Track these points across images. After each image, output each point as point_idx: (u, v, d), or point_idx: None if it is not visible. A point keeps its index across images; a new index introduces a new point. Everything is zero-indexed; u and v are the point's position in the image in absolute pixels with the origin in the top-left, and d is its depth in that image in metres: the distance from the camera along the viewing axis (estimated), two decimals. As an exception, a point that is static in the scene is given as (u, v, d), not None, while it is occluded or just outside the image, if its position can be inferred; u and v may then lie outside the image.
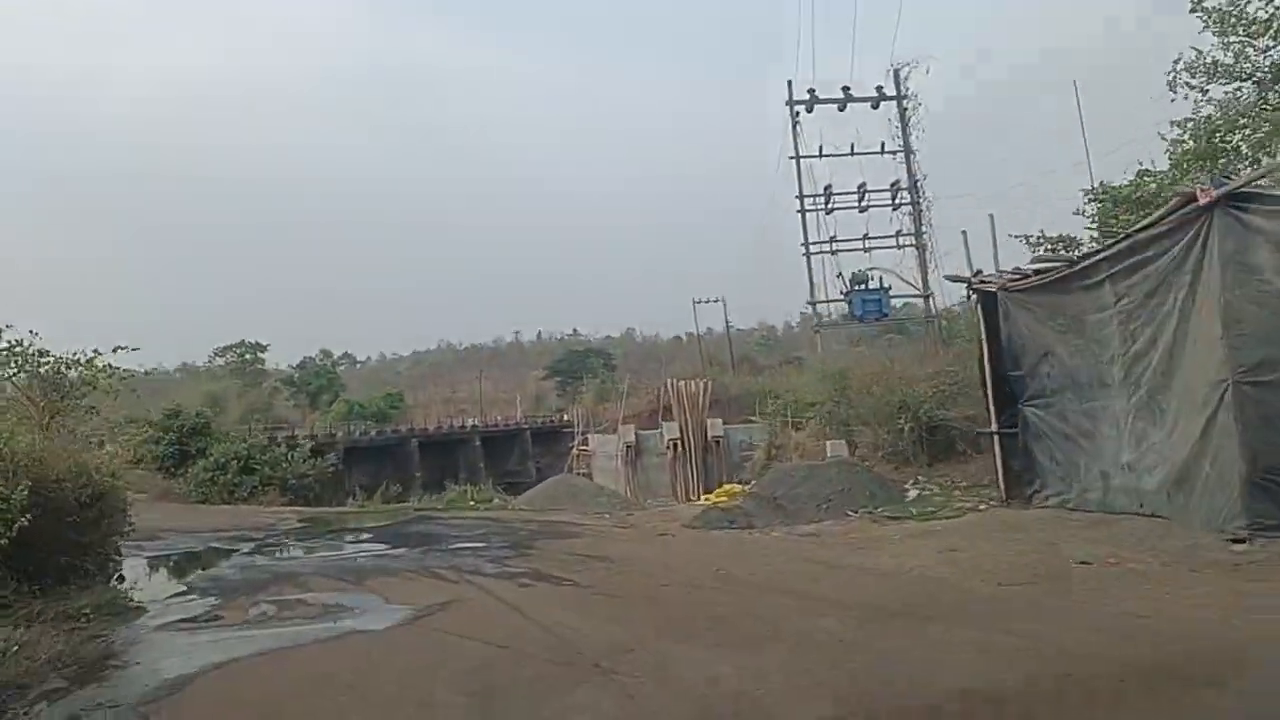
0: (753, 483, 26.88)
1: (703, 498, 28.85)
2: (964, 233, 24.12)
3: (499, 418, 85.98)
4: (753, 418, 46.57)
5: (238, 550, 22.24)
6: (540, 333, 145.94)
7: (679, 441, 42.63)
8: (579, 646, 9.47)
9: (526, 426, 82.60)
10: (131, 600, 13.26)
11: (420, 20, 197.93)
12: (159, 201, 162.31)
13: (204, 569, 19.58)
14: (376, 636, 10.86)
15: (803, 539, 17.97)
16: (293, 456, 40.50)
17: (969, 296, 21.26)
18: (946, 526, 17.21)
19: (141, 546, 19.10)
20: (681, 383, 44.49)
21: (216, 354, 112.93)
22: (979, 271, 21.16)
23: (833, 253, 35.57)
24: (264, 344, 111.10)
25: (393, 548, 20.95)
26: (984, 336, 19.97)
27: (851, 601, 11.07)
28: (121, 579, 14.13)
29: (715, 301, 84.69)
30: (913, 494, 22.28)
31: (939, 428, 25.16)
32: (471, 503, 32.40)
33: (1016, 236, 28.81)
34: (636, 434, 43.87)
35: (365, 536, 24.32)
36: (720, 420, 43.53)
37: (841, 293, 35.21)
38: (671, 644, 9.43)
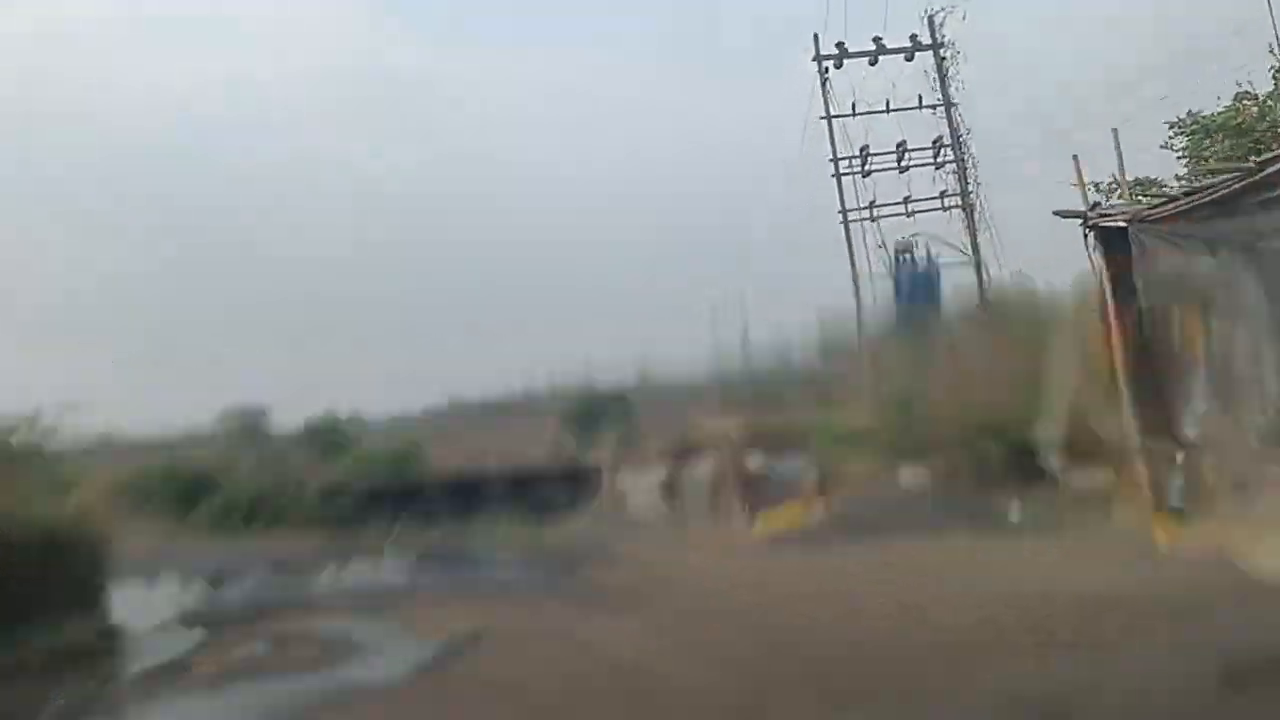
0: (818, 507, 23.25)
1: (758, 525, 25.09)
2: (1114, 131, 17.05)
3: (519, 464, 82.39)
4: (792, 450, 42.91)
5: (251, 572, 19.37)
6: (553, 380, 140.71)
7: (717, 478, 39.04)
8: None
9: (553, 470, 79.13)
10: (109, 639, 11.57)
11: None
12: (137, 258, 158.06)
13: (213, 588, 17.05)
14: (385, 697, 7.02)
15: (894, 563, 14.33)
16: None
17: (1086, 237, 15.42)
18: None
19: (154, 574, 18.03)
20: (712, 422, 41.00)
21: (220, 420, 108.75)
22: (1095, 205, 16.13)
23: (872, 219, 32.13)
24: (265, 407, 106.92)
25: (421, 570, 18.08)
26: (1109, 298, 14.50)
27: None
28: (106, 613, 12.77)
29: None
30: (1015, 514, 18.67)
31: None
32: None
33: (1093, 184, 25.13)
34: (669, 470, 40.25)
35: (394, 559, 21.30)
36: (759, 453, 39.92)
37: (885, 266, 31.82)
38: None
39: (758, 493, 38.24)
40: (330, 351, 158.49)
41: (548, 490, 76.23)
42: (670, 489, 39.11)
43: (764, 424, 44.67)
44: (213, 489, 36.91)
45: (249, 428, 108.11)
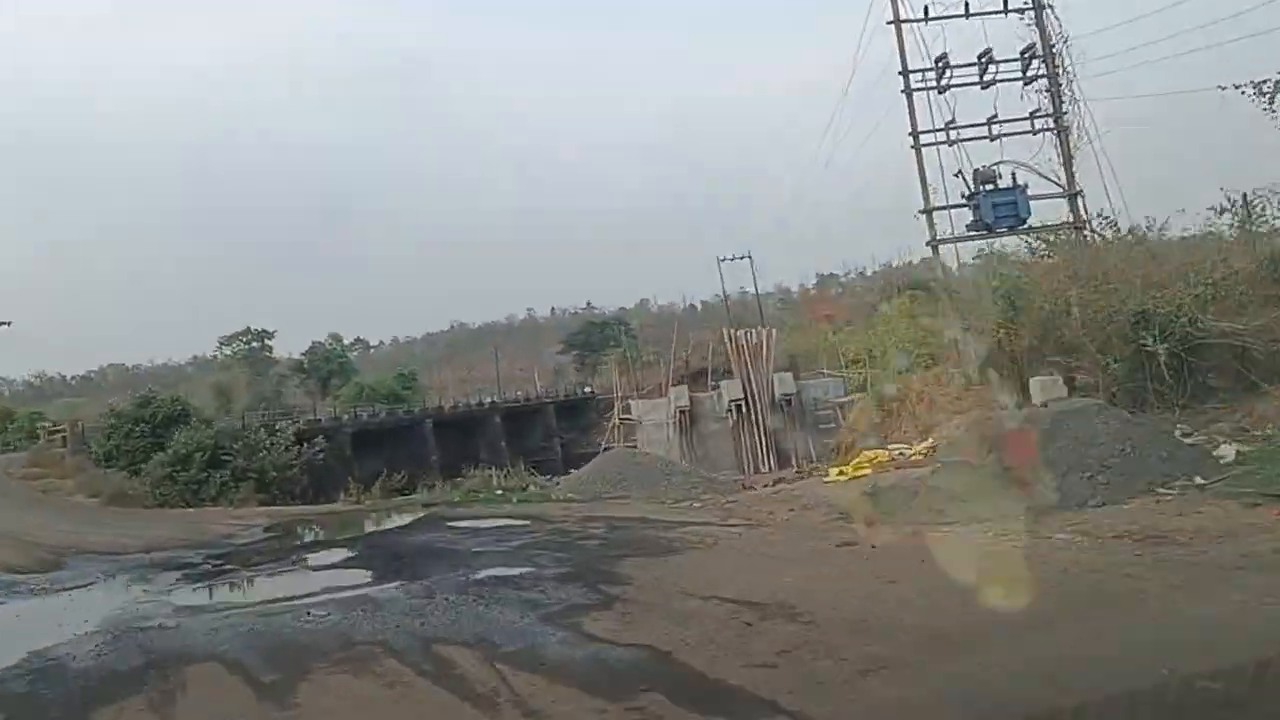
0: (937, 443, 17.67)
1: (834, 471, 19.49)
2: None
3: (518, 393, 76.74)
4: (828, 371, 37.54)
5: (146, 587, 13.84)
6: (554, 308, 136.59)
7: (743, 402, 33.52)
8: None
9: (550, 401, 73.35)
10: None
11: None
12: (161, 192, 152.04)
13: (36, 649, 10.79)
14: None
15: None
16: (272, 444, 30.98)
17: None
18: None
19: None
20: (740, 332, 35.18)
21: (222, 343, 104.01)
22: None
23: (949, 142, 25.96)
24: (270, 331, 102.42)
25: (379, 580, 12.18)
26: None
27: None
28: None
29: (742, 259, 75.36)
30: (1228, 453, 13.12)
31: (1204, 348, 16.00)
32: (499, 492, 23.17)
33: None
34: (691, 396, 34.63)
35: (344, 556, 15.50)
36: (790, 375, 34.41)
37: (963, 196, 25.70)
38: None
39: (789, 423, 32.83)
40: (335, 281, 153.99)
41: (546, 426, 71.54)
42: (690, 419, 33.42)
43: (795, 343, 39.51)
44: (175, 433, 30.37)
45: (253, 352, 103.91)
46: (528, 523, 17.44)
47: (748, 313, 77.59)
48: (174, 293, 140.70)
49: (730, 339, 34.34)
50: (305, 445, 32.83)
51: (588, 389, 79.34)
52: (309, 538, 20.43)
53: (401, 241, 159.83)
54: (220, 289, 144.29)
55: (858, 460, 19.55)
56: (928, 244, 25.86)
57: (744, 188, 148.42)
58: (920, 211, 25.53)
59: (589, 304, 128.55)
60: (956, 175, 25.64)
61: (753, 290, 75.23)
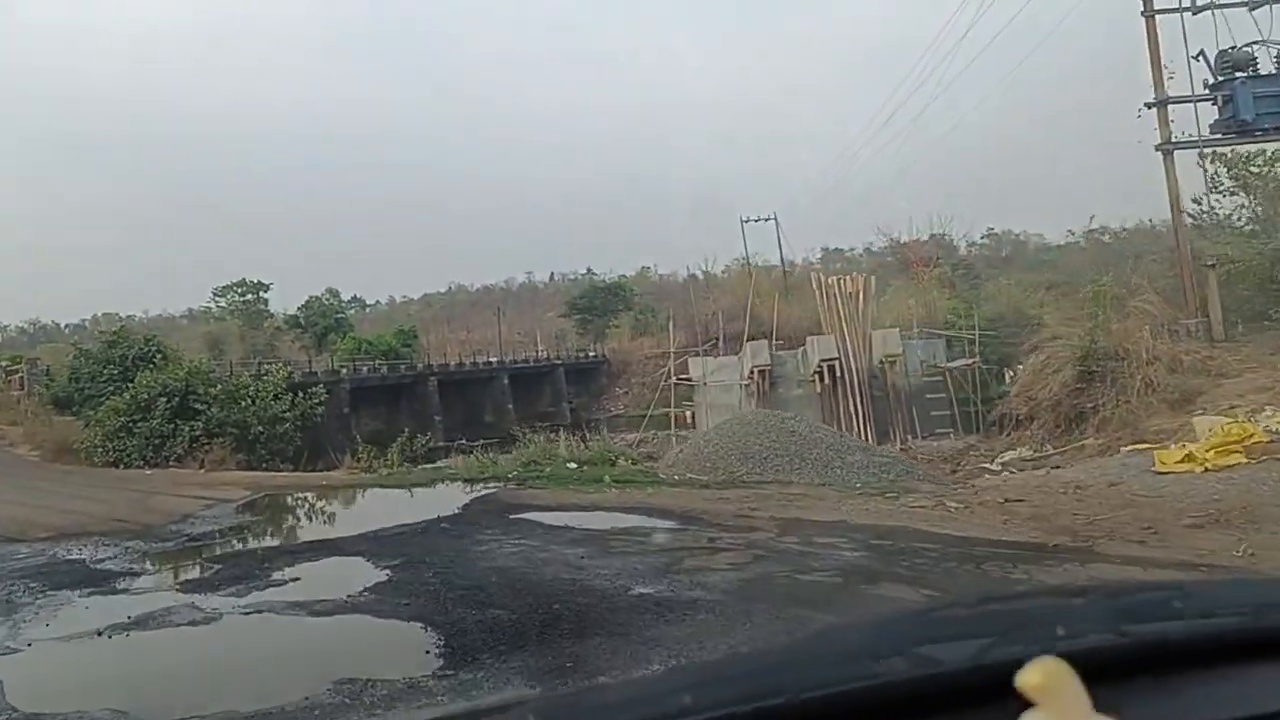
0: None
1: (1173, 455, 12.05)
2: None
3: (524, 355, 68.94)
4: (938, 331, 30.10)
5: None
6: (553, 273, 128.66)
7: (837, 363, 26.02)
8: None
9: (560, 363, 65.62)
10: None
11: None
12: (158, 148, 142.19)
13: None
14: None
15: None
16: (258, 392, 23.10)
17: None
18: None
19: None
20: (833, 279, 27.54)
21: (215, 295, 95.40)
22: None
23: (1193, 9, 18.39)
24: (266, 283, 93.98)
25: (453, 666, 4.46)
26: None
27: None
28: None
29: (767, 220, 67.87)
30: None
31: None
32: (571, 465, 15.72)
33: None
34: (772, 354, 27.00)
35: (364, 583, 7.68)
36: (896, 332, 26.91)
37: (1206, 86, 18.24)
38: None
39: (891, 392, 25.45)
40: (335, 240, 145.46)
41: (555, 389, 64.26)
42: (768, 383, 25.78)
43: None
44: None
45: (248, 304, 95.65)
46: (672, 525, 9.99)
47: (768, 279, 70.38)
48: (174, 245, 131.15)
49: (820, 286, 26.63)
50: (301, 395, 25.05)
51: (592, 353, 71.68)
52: (302, 529, 12.83)
53: (400, 202, 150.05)
54: (219, 244, 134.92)
55: (1215, 438, 12.13)
56: (1158, 148, 18.32)
57: (763, 158, 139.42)
58: (1148, 104, 17.96)
59: (589, 270, 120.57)
60: (1197, 57, 18.08)
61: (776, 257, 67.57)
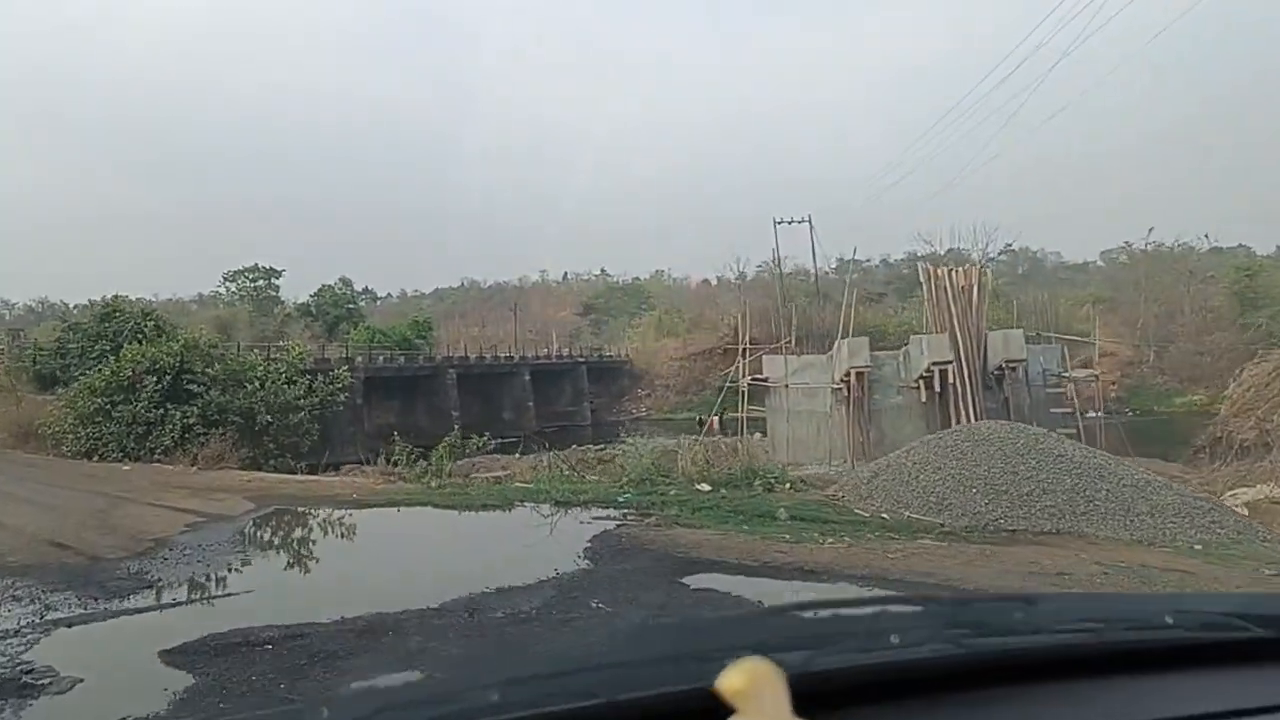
0: None
1: None
2: None
3: (546, 351, 64.12)
4: (1051, 334, 25.50)
5: None
6: (566, 273, 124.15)
7: (950, 367, 21.35)
8: None
9: (582, 361, 60.89)
10: None
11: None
12: (176, 134, 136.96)
13: None
14: None
15: None
16: (269, 372, 18.27)
17: None
18: None
19: None
20: (943, 270, 22.81)
21: (226, 278, 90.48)
22: None
23: None
24: (278, 269, 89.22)
25: None
26: None
27: None
28: None
29: (801, 222, 63.17)
30: None
31: None
32: (703, 486, 10.96)
33: None
34: (872, 356, 22.26)
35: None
36: (1020, 334, 22.25)
37: None
38: None
39: (1010, 400, 20.87)
40: (348, 231, 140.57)
41: (576, 388, 59.69)
42: (862, 389, 21.11)
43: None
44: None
45: (258, 290, 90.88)
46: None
47: (799, 284, 65.84)
48: (189, 231, 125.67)
49: (931, 278, 21.91)
50: (320, 378, 20.27)
51: (613, 353, 67.03)
52: (339, 588, 7.79)
53: (413, 196, 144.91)
54: (234, 231, 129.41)
55: None
56: None
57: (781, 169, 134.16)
58: None
59: (603, 270, 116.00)
60: None
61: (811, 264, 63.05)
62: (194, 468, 15.79)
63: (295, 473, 16.43)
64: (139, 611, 6.68)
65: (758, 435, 29.42)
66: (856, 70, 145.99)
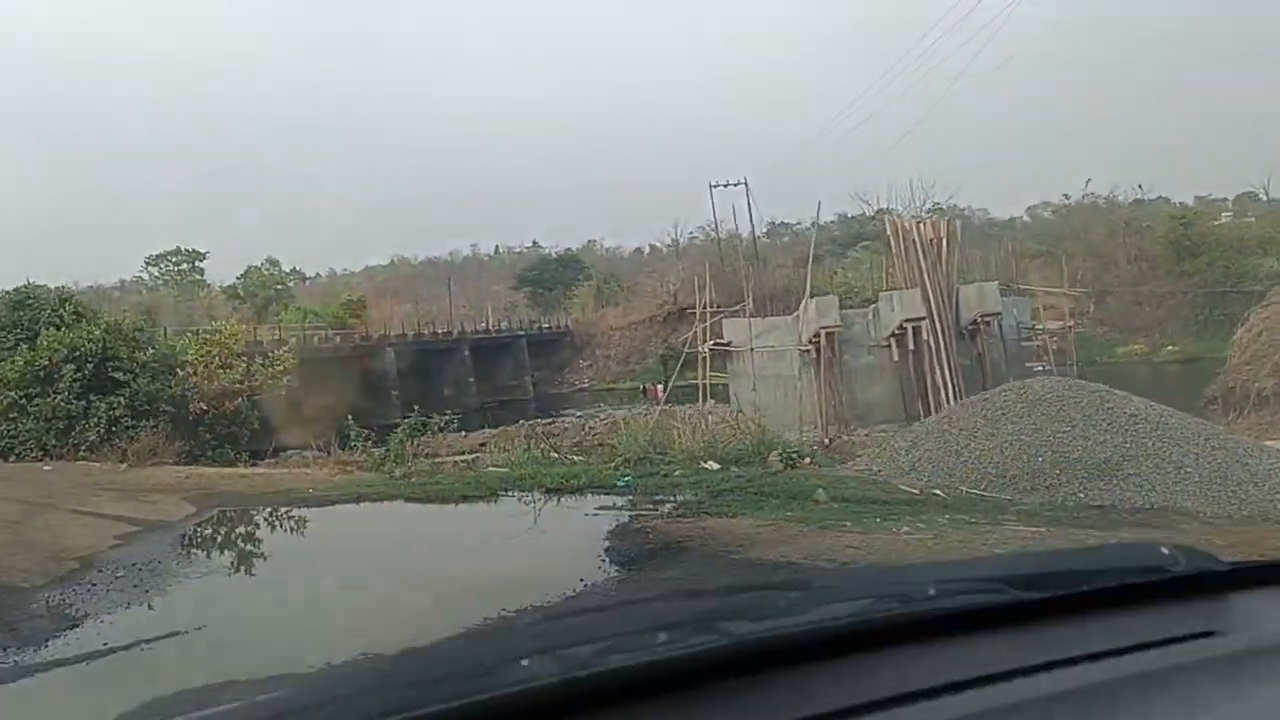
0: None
1: None
2: None
3: (484, 325, 62.06)
4: (1026, 286, 24.75)
5: None
6: (498, 246, 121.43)
7: (923, 324, 20.35)
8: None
9: (523, 334, 58.99)
10: None
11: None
12: (86, 115, 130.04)
13: None
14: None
15: None
16: (202, 356, 16.35)
17: None
18: None
19: None
20: (910, 221, 21.72)
21: (148, 263, 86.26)
22: None
23: None
24: (202, 252, 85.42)
25: None
26: None
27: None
28: None
29: (736, 184, 61.85)
30: None
31: None
32: (711, 465, 9.53)
33: None
34: (841, 315, 21.09)
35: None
36: (994, 286, 21.32)
37: None
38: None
39: (983, 357, 20.03)
40: (271, 211, 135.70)
41: (517, 361, 57.92)
42: (833, 349, 20.03)
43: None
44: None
45: (183, 274, 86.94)
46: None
47: (730, 249, 64.66)
48: (106, 216, 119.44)
49: (898, 231, 20.80)
50: (258, 361, 18.41)
51: (552, 325, 65.20)
52: (311, 617, 6.09)
53: (336, 172, 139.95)
54: (153, 215, 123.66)
55: None
56: None
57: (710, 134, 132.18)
58: None
59: (535, 243, 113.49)
60: None
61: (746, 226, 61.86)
62: (124, 465, 13.96)
63: (236, 465, 14.71)
64: (58, 665, 5.08)
65: (711, 403, 28.26)
66: (784, 30, 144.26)
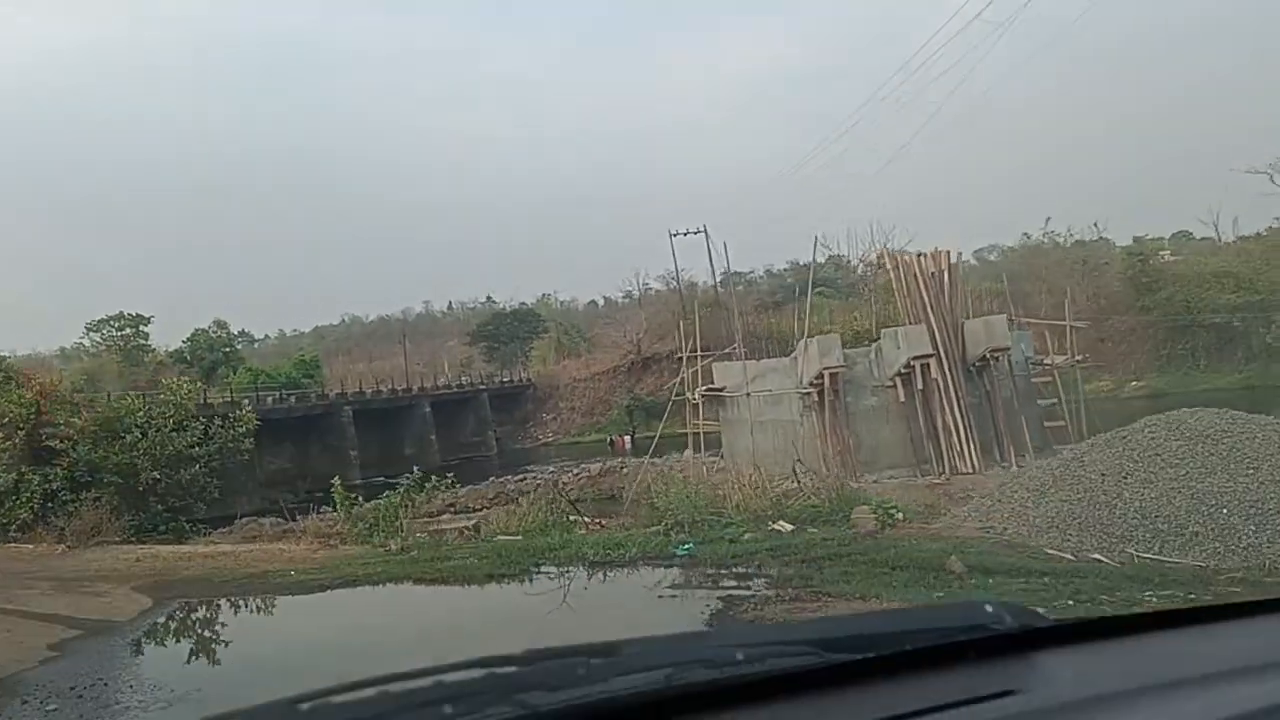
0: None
1: None
2: None
3: (444, 380, 59.70)
4: (1030, 320, 23.46)
5: None
6: (451, 302, 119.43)
7: (931, 361, 18.86)
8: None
9: (484, 388, 56.83)
10: None
11: None
12: (21, 172, 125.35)
13: None
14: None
15: None
16: (153, 418, 14.07)
17: None
18: None
19: None
20: (912, 256, 20.31)
21: (89, 329, 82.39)
22: None
23: None
24: (146, 316, 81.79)
25: None
26: None
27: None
28: None
29: (696, 233, 60.73)
30: None
31: None
32: (783, 526, 7.68)
33: None
34: (844, 355, 19.48)
35: None
36: (1003, 319, 19.93)
37: None
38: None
39: (991, 394, 18.68)
40: (216, 271, 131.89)
41: (479, 417, 55.62)
42: (834, 391, 18.51)
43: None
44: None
45: (126, 340, 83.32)
46: None
47: (697, 296, 63.42)
48: (45, 282, 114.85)
49: (899, 266, 19.40)
50: (217, 422, 16.22)
51: (511, 379, 63.02)
52: None
53: (285, 234, 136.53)
54: (94, 281, 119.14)
55: None
56: None
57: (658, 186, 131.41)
58: None
59: (489, 298, 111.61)
60: None
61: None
62: (62, 546, 11.77)
63: (194, 540, 12.56)
64: None
65: (687, 452, 26.47)
66: (736, 83, 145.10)
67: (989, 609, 1.52)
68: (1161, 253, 55.66)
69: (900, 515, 9.39)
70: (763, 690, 1.27)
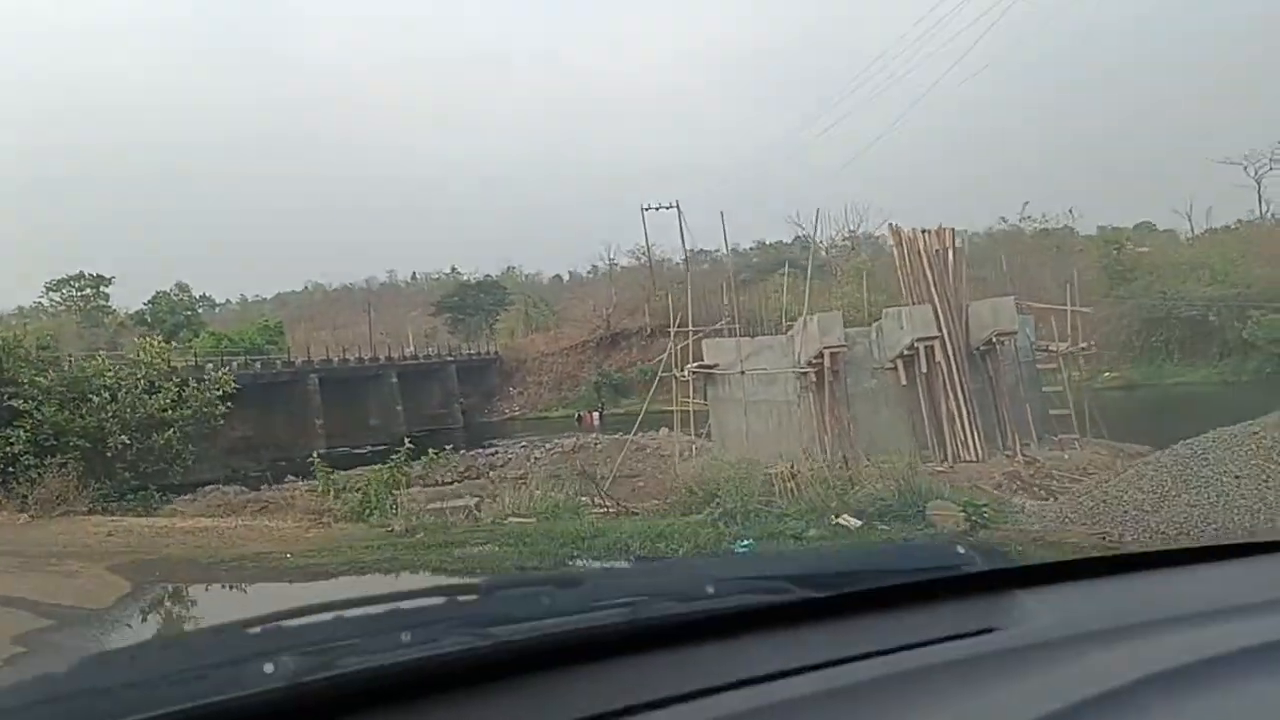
0: None
1: None
2: None
3: (412, 351, 58.30)
4: (1036, 305, 22.95)
5: None
6: (415, 273, 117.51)
7: (935, 343, 18.22)
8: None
9: (452, 360, 55.59)
10: None
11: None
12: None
13: None
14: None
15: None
16: (123, 381, 12.90)
17: None
18: None
19: None
20: (915, 231, 19.55)
21: (49, 288, 79.80)
22: None
23: None
24: (107, 277, 79.29)
25: None
26: None
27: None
28: None
29: (669, 208, 59.94)
30: None
31: None
32: (849, 521, 7.04)
33: None
34: (844, 334, 18.73)
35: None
36: (1010, 301, 19.28)
37: None
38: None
39: (993, 378, 18.09)
40: (178, 233, 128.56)
41: (445, 388, 54.54)
42: (833, 372, 17.81)
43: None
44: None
45: (86, 300, 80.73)
46: None
47: (665, 273, 62.55)
48: (4, 240, 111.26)
49: (903, 243, 18.67)
50: (191, 385, 15.13)
51: (478, 351, 61.78)
52: None
53: (250, 200, 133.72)
54: (54, 239, 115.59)
55: None
56: None
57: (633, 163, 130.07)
58: None
59: (454, 269, 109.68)
60: None
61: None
62: (24, 515, 10.72)
63: (171, 512, 11.54)
64: None
65: (663, 430, 25.71)
66: (710, 58, 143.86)
67: (960, 550, 1.51)
68: (1126, 241, 55.77)
69: (989, 513, 8.47)
70: (733, 624, 1.23)
